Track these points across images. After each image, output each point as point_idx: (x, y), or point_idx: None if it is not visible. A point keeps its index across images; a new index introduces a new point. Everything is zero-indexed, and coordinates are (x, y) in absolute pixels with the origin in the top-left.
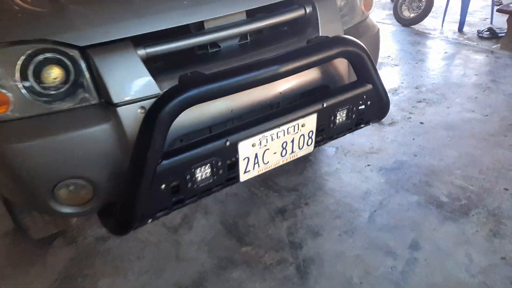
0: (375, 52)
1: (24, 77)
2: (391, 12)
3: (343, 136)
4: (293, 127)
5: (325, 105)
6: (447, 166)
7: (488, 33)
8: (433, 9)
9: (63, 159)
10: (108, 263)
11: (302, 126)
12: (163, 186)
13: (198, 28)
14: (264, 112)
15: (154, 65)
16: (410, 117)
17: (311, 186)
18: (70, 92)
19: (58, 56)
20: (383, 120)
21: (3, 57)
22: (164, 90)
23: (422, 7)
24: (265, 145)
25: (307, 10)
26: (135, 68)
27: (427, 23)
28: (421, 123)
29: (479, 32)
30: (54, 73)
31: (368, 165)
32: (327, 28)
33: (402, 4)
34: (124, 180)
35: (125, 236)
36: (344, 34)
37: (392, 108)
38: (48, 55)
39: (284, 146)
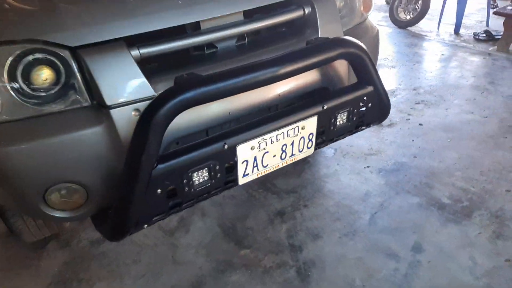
0: (375, 54)
1: (12, 78)
2: (387, 14)
3: (343, 138)
4: (293, 129)
5: (325, 107)
6: (447, 168)
7: (484, 35)
8: (429, 11)
9: (54, 163)
10: (104, 266)
11: (302, 128)
12: (159, 190)
13: (194, 28)
14: (262, 114)
15: (149, 66)
16: (409, 119)
17: (310, 188)
18: (61, 94)
19: (48, 57)
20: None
21: None
22: (159, 92)
23: (418, 9)
24: (264, 148)
25: (306, 11)
26: (128, 69)
27: (423, 25)
28: (420, 124)
29: (475, 34)
30: (44, 74)
31: (368, 167)
32: (326, 29)
33: (398, 6)
34: (118, 184)
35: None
36: (344, 35)
37: (390, 109)
38: (38, 55)
39: (283, 149)
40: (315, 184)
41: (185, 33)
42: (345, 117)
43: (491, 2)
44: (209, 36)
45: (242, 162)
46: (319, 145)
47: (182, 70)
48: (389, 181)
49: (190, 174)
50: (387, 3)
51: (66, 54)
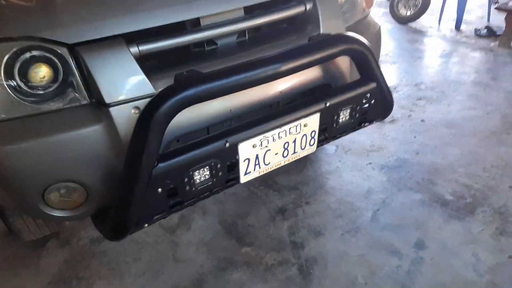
0: (377, 50)
1: (9, 76)
2: (387, 10)
3: (346, 135)
4: (295, 127)
5: (328, 104)
6: (450, 164)
7: (485, 31)
8: (430, 7)
9: (53, 162)
10: (104, 265)
11: (304, 126)
12: (159, 189)
13: (194, 25)
14: (264, 112)
15: (148, 64)
16: (411, 115)
17: (312, 185)
18: (59, 92)
19: (46, 54)
20: None
21: None
22: (159, 90)
23: (419, 5)
24: (266, 146)
25: (308, 7)
26: (127, 66)
27: (424, 21)
28: (422, 120)
29: (476, 30)
30: (42, 72)
31: (369, 163)
32: (328, 25)
33: (398, 2)
34: (118, 183)
35: None
36: (346, 31)
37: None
38: (35, 53)
39: (286, 146)
40: (317, 181)
41: (185, 29)
42: (347, 114)
43: None
44: (209, 32)
45: (244, 160)
46: (321, 142)
47: (182, 67)
48: (391, 178)
49: (191, 172)
50: None
51: (64, 51)
